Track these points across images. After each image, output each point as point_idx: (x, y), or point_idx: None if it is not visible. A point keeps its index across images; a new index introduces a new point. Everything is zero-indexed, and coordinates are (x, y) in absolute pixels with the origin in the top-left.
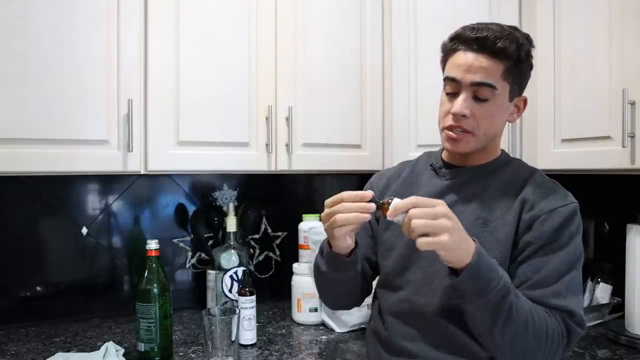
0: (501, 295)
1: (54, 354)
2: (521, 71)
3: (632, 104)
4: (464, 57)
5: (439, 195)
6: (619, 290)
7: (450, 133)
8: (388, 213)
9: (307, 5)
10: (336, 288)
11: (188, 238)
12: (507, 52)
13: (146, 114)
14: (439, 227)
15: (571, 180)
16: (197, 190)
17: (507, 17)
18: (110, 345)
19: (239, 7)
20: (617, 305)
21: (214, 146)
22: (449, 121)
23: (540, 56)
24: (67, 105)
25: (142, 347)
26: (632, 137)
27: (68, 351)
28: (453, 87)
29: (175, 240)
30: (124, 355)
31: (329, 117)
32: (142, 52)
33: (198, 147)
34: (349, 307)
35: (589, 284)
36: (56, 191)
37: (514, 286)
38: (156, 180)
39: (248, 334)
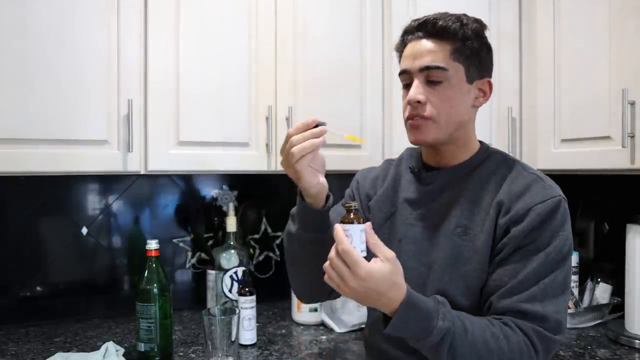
0: (439, 338)
1: (54, 354)
2: (473, 51)
3: (632, 104)
4: (411, 47)
5: (417, 204)
6: (619, 290)
7: (411, 121)
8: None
9: (307, 5)
10: (306, 257)
11: (188, 238)
12: (449, 31)
13: (146, 114)
14: (341, 287)
15: (571, 180)
16: (197, 190)
17: (507, 17)
18: (110, 345)
19: (239, 7)
20: (617, 305)
21: (213, 146)
22: (408, 111)
23: (540, 56)
24: (67, 105)
25: (142, 347)
26: (632, 137)
27: (68, 351)
28: (406, 78)
29: (175, 240)
30: (124, 355)
31: (329, 117)
32: (142, 52)
33: (198, 147)
34: (317, 295)
35: (589, 284)
36: (56, 191)
37: (463, 318)
38: (156, 180)
39: (248, 334)
